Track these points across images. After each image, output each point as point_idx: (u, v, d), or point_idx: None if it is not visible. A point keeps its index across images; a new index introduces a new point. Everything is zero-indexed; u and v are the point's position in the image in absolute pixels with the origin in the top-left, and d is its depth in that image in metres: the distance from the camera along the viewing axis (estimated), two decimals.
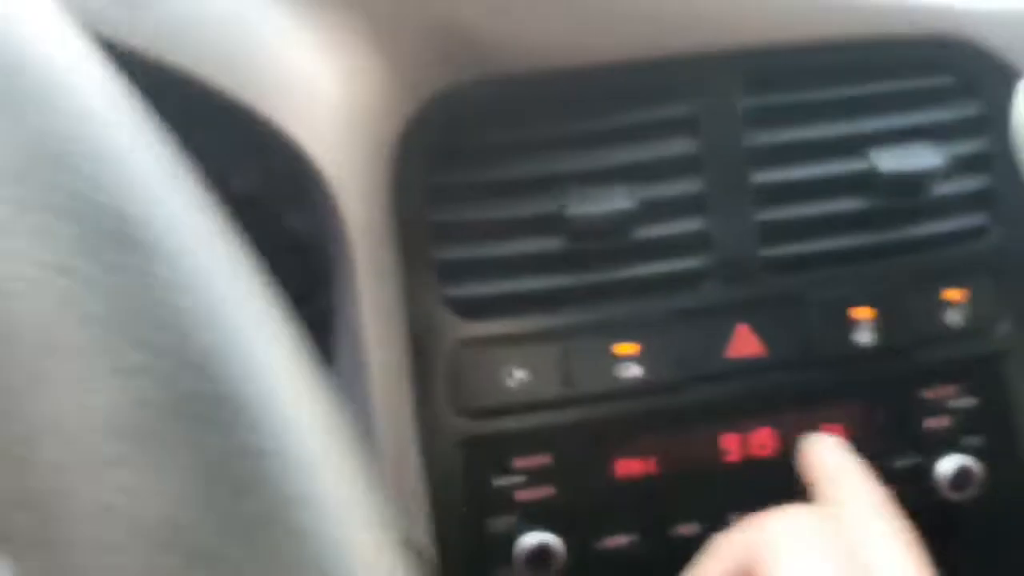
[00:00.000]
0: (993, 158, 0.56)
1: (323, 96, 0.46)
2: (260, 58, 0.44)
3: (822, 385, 0.56)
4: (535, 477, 0.54)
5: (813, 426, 0.57)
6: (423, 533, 0.49)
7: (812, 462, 0.47)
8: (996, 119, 0.56)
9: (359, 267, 0.48)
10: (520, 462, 0.54)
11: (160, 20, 0.41)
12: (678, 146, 0.54)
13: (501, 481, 0.54)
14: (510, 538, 0.54)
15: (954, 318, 0.56)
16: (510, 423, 0.53)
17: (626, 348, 0.53)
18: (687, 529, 0.56)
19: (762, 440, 0.57)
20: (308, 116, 0.45)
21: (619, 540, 0.55)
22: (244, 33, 0.44)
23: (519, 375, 0.52)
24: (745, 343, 0.54)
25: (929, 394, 0.57)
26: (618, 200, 0.52)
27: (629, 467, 0.56)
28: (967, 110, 0.56)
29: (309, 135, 0.45)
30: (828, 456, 0.46)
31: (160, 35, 0.41)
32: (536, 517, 0.54)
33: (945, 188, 0.56)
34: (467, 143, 0.52)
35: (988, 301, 0.57)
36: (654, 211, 0.53)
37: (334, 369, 0.52)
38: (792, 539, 0.39)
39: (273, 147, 0.47)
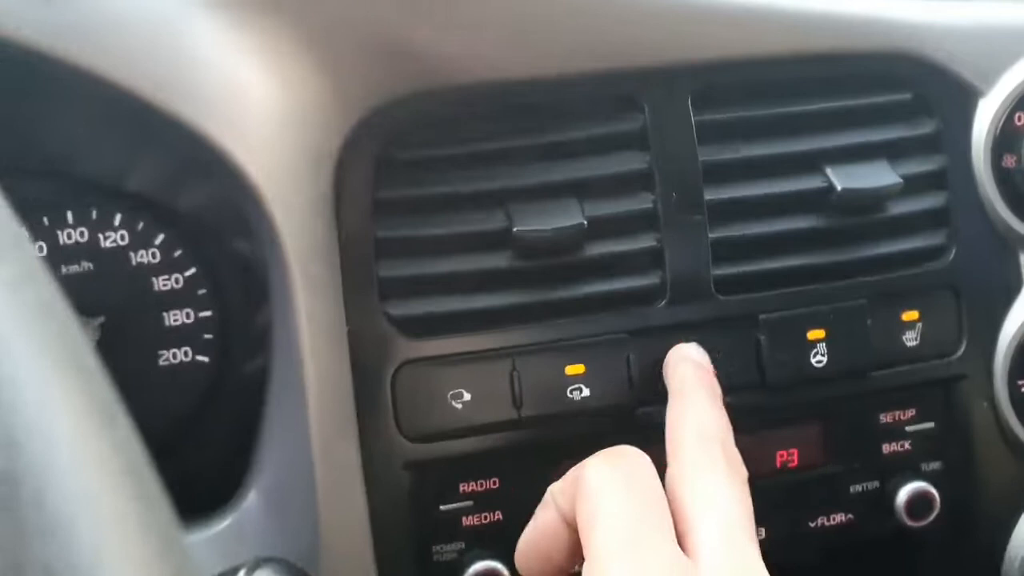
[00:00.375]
0: (950, 177, 0.56)
1: (257, 106, 0.44)
2: (187, 64, 0.42)
3: (778, 407, 0.55)
4: (482, 502, 0.53)
5: (768, 449, 0.56)
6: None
7: (667, 368, 0.50)
8: (954, 137, 0.56)
9: (296, 283, 0.46)
10: (467, 487, 0.52)
11: (77, 19, 0.39)
12: (629, 162, 0.52)
13: (447, 506, 0.52)
14: (457, 565, 0.52)
15: (911, 340, 0.55)
16: (457, 446, 0.51)
17: (577, 369, 0.52)
18: None
19: None
20: (239, 125, 0.44)
21: None
22: (170, 37, 0.42)
23: (466, 396, 0.51)
24: None
25: (886, 418, 0.56)
26: (568, 216, 0.51)
27: None
28: (924, 128, 0.56)
29: (241, 145, 0.43)
30: (678, 368, 0.49)
31: (76, 35, 0.39)
32: (483, 543, 0.52)
33: (902, 207, 0.55)
34: (412, 157, 0.50)
35: (946, 323, 0.56)
36: (605, 228, 0.52)
37: (270, 390, 0.50)
38: (602, 480, 0.40)
39: (209, 161, 0.45)
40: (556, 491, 0.43)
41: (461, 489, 0.52)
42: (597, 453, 0.42)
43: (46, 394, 0.19)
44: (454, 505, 0.52)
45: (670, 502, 0.40)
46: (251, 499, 0.49)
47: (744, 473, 0.43)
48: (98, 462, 0.19)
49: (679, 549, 0.38)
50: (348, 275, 0.49)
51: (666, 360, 0.50)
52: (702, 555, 0.38)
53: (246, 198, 0.45)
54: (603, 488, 0.40)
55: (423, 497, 0.52)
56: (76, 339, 0.21)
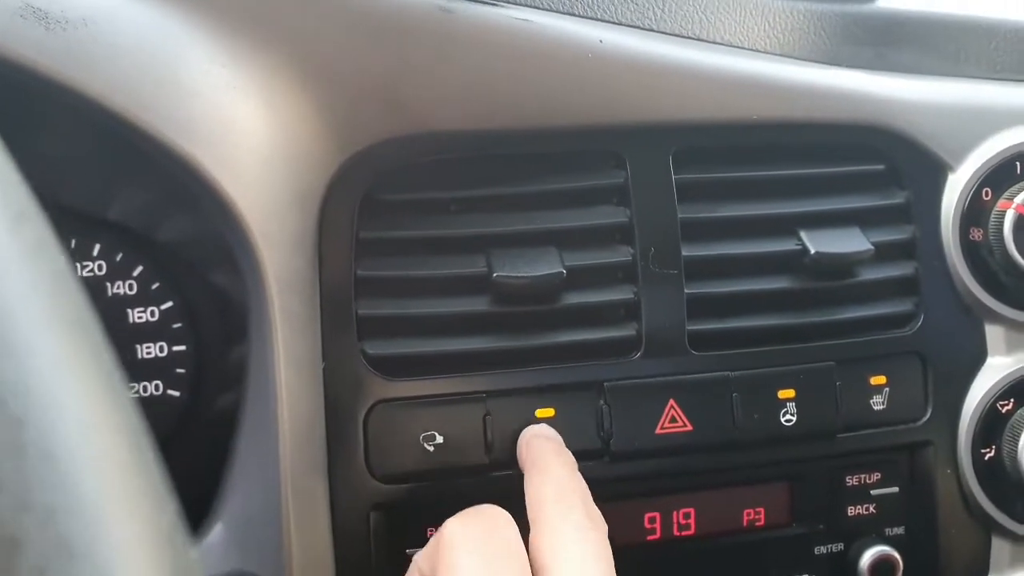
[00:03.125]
0: (920, 247, 0.57)
1: (248, 140, 0.45)
2: (182, 94, 0.43)
3: (747, 465, 0.55)
4: None
5: (736, 507, 0.56)
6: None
7: (520, 449, 0.50)
8: (924, 209, 0.57)
9: (276, 318, 0.46)
10: (434, 530, 0.52)
11: (75, 44, 0.40)
12: (610, 215, 0.53)
13: (414, 550, 0.52)
14: None
15: (878, 404, 0.56)
16: (426, 489, 0.51)
17: (549, 416, 0.52)
18: None
19: (685, 520, 0.55)
20: (230, 158, 0.44)
21: None
22: (167, 68, 0.43)
23: (438, 439, 0.51)
24: (674, 420, 0.53)
25: (853, 480, 0.57)
26: (547, 265, 0.51)
27: None
28: (896, 199, 0.57)
29: (230, 177, 0.44)
30: (531, 444, 0.49)
31: (73, 59, 0.40)
32: None
33: (872, 273, 0.56)
34: (396, 199, 0.51)
35: (912, 389, 0.57)
36: (583, 278, 0.53)
37: (242, 423, 0.50)
38: (457, 537, 0.41)
39: (196, 191, 0.45)
40: (420, 556, 0.44)
41: (428, 533, 0.52)
42: (457, 514, 0.43)
43: (53, 347, 0.19)
44: (421, 549, 0.52)
45: (532, 561, 0.41)
46: (216, 533, 0.49)
47: (604, 528, 0.44)
48: (100, 413, 0.20)
49: None
50: (327, 312, 0.49)
51: (519, 440, 0.51)
52: None
53: (231, 230, 0.45)
54: (458, 543, 0.41)
55: (390, 539, 0.51)
56: (78, 299, 0.21)
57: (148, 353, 0.57)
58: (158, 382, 0.57)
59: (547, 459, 0.48)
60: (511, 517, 0.43)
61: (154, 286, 0.57)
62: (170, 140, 0.42)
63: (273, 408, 0.47)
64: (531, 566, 0.41)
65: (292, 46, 0.46)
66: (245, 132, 0.45)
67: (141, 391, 0.56)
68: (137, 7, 0.43)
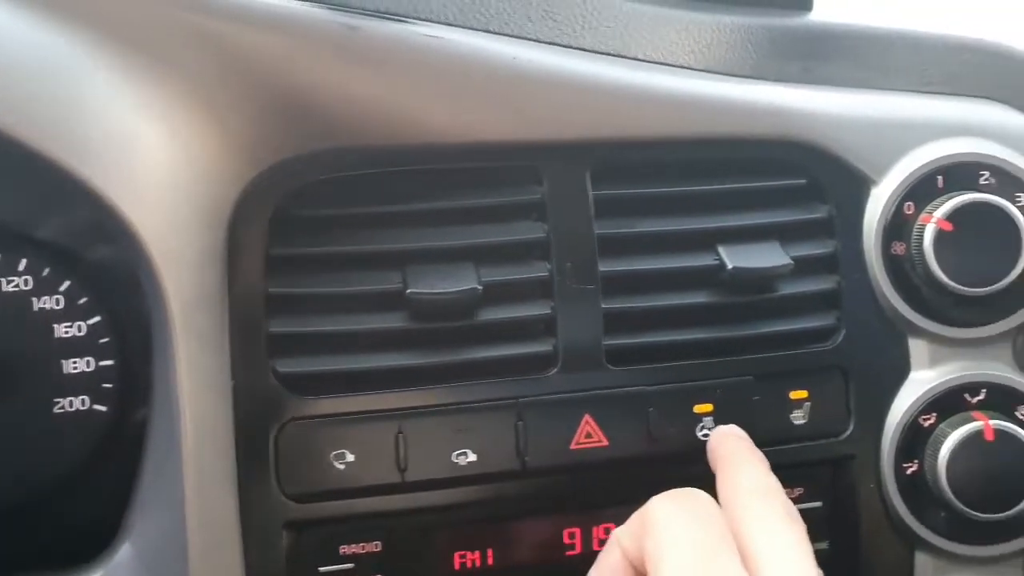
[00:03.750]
0: (842, 261, 0.57)
1: (147, 159, 0.45)
2: (75, 114, 0.43)
3: (665, 481, 0.55)
4: (364, 566, 0.52)
5: None
6: None
7: (712, 446, 0.50)
8: (846, 223, 0.57)
9: (177, 334, 0.46)
10: (348, 549, 0.52)
11: None
12: (527, 231, 0.54)
13: (327, 568, 0.52)
14: None
15: (799, 419, 0.56)
16: (338, 507, 0.51)
17: (465, 434, 0.52)
18: None
19: (605, 535, 0.55)
20: (126, 177, 0.44)
21: None
22: (60, 87, 0.43)
23: (349, 457, 0.50)
24: (590, 435, 0.53)
25: None
26: (463, 281, 0.51)
27: (465, 558, 0.54)
28: (817, 213, 0.57)
29: (126, 196, 0.44)
30: (725, 442, 0.49)
31: None
32: None
33: (793, 288, 0.56)
34: (308, 215, 0.51)
35: (834, 403, 0.57)
36: (500, 294, 0.53)
37: (148, 442, 0.50)
38: (668, 515, 0.41)
39: (97, 210, 0.45)
40: (621, 533, 0.44)
41: (342, 551, 0.52)
42: (662, 494, 0.44)
43: None
44: (334, 567, 0.52)
45: (740, 548, 0.41)
46: (123, 554, 0.49)
47: (803, 523, 0.43)
48: None
49: (745, 571, 0.39)
50: (237, 330, 0.49)
51: (710, 438, 0.51)
52: None
53: (131, 249, 0.45)
54: (670, 521, 0.41)
55: (303, 558, 0.51)
56: None
57: (75, 368, 0.57)
58: (84, 397, 0.57)
59: (742, 455, 0.48)
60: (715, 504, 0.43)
61: (81, 301, 0.57)
62: (62, 160, 0.42)
63: (177, 426, 0.47)
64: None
65: (194, 66, 0.46)
66: (145, 152, 0.45)
67: (67, 406, 0.56)
68: (34, 29, 0.43)
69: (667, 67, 0.57)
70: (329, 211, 0.51)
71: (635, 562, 0.43)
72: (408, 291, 0.50)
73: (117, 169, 0.44)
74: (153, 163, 0.45)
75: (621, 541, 0.44)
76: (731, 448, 0.49)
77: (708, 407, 0.54)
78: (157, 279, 0.45)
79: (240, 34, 0.46)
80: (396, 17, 0.48)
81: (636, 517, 0.44)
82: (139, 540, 0.49)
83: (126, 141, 0.44)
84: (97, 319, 0.57)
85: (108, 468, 0.56)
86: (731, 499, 0.44)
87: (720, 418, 0.54)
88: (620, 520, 0.55)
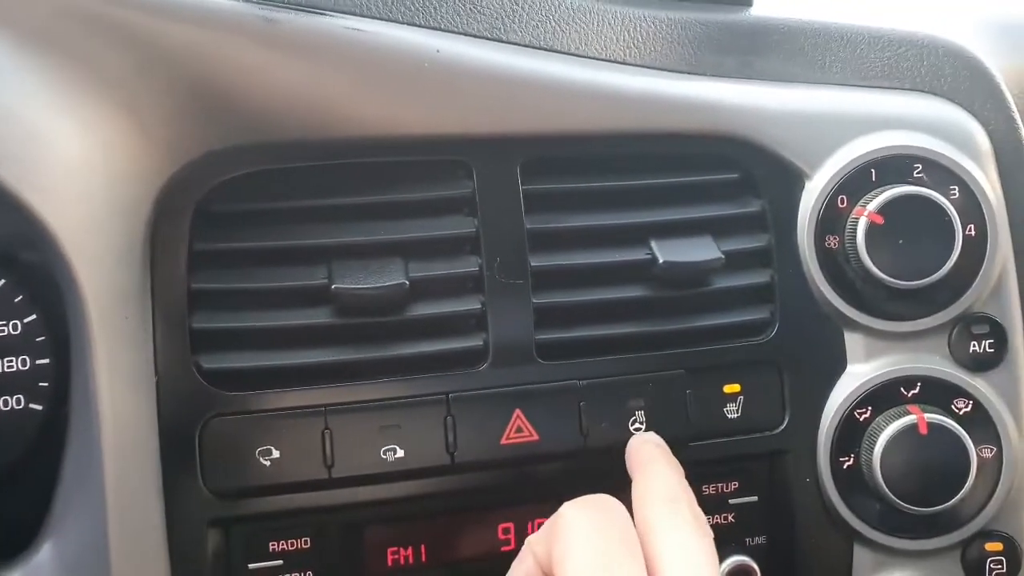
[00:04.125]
0: (776, 255, 0.57)
1: (59, 156, 0.44)
2: None
3: (598, 475, 0.54)
4: (293, 562, 0.52)
5: None
6: None
7: (629, 453, 0.50)
8: (779, 217, 0.57)
9: (95, 333, 0.46)
10: (276, 546, 0.52)
11: None
12: (457, 226, 0.53)
13: (256, 565, 0.51)
14: None
15: (732, 412, 0.56)
16: (265, 504, 0.51)
17: (393, 430, 0.51)
18: None
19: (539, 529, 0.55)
20: (38, 174, 0.43)
21: None
22: None
23: (274, 453, 0.50)
24: (520, 430, 0.53)
25: (709, 489, 0.57)
26: (390, 276, 0.51)
27: (398, 554, 0.54)
28: (751, 207, 0.57)
29: (38, 193, 0.43)
30: (641, 449, 0.50)
31: None
32: None
33: (726, 282, 0.56)
34: (232, 210, 0.50)
35: (768, 397, 0.57)
36: (430, 289, 0.52)
37: (68, 441, 0.49)
38: (575, 520, 0.42)
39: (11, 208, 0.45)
40: (533, 541, 0.44)
41: (271, 548, 0.51)
42: (573, 500, 0.44)
43: None
44: (263, 564, 0.51)
45: (645, 555, 0.41)
46: (43, 555, 0.48)
47: (711, 533, 0.44)
48: None
49: None
50: (159, 326, 0.49)
51: (629, 444, 0.51)
52: None
53: (46, 247, 0.45)
54: (576, 526, 0.42)
55: (231, 556, 0.51)
56: None
57: (10, 367, 0.56)
58: (20, 396, 0.56)
59: (659, 462, 0.48)
60: (626, 508, 0.43)
61: (16, 299, 0.56)
62: None
63: (96, 424, 0.46)
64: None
65: (109, 61, 0.45)
66: (59, 151, 0.44)
67: (2, 405, 0.56)
68: None
69: (600, 62, 0.57)
70: (254, 205, 0.51)
71: (546, 569, 0.43)
72: (333, 286, 0.50)
73: (30, 168, 0.43)
74: (67, 161, 0.45)
75: (533, 548, 0.44)
76: (648, 455, 0.49)
77: (640, 401, 0.54)
78: (73, 276, 0.45)
79: (155, 27, 0.46)
80: (316, 10, 0.48)
81: (548, 524, 0.44)
82: (60, 540, 0.48)
83: (39, 140, 0.44)
84: (32, 317, 0.56)
85: (40, 467, 0.56)
86: (642, 506, 0.45)
87: (652, 412, 0.54)
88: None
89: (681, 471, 0.48)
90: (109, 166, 0.46)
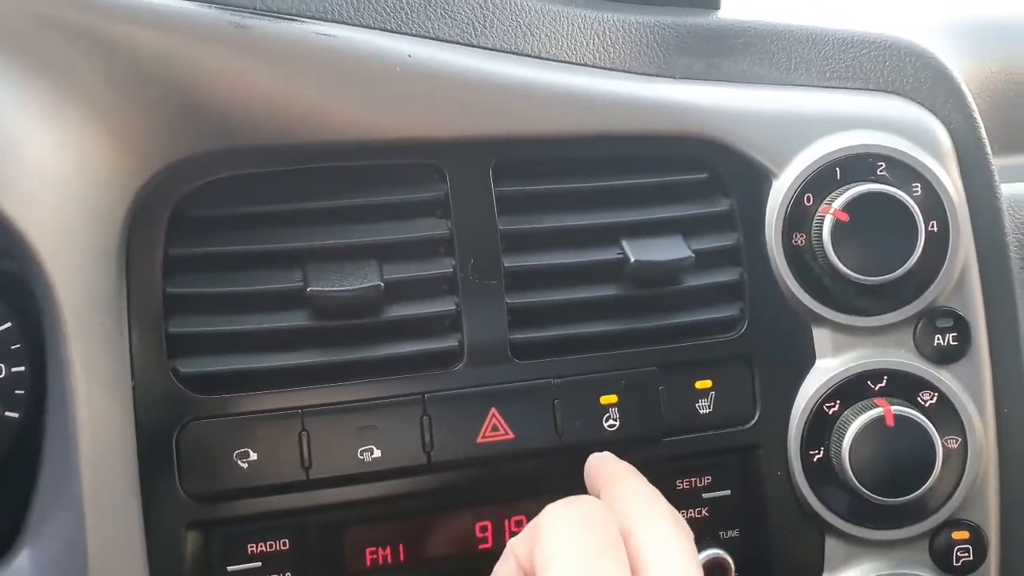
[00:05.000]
0: (744, 253, 0.58)
1: (33, 162, 0.45)
2: None
3: (574, 472, 0.55)
4: (272, 564, 0.52)
5: None
6: None
7: (590, 471, 0.50)
8: (748, 216, 0.58)
9: (71, 339, 0.46)
10: (255, 548, 0.52)
11: None
12: (430, 228, 0.54)
13: (235, 567, 0.52)
14: None
15: (704, 408, 0.57)
16: (243, 506, 0.51)
17: (370, 430, 0.52)
18: None
19: (517, 527, 0.56)
20: (12, 180, 0.44)
21: None
22: None
23: (252, 456, 0.51)
24: (496, 428, 0.54)
25: (683, 484, 0.58)
26: (365, 278, 0.52)
27: (377, 554, 0.54)
28: (719, 206, 0.58)
29: (12, 199, 0.43)
30: (603, 464, 0.50)
31: None
32: None
33: (696, 280, 0.57)
34: (207, 214, 0.51)
35: (739, 392, 0.57)
36: (404, 291, 0.53)
37: (45, 447, 0.49)
38: (559, 521, 0.42)
39: None
40: (515, 542, 0.44)
41: (249, 550, 0.52)
42: (556, 501, 0.44)
43: None
44: (242, 566, 0.52)
45: (629, 556, 0.41)
46: (21, 560, 0.48)
47: (691, 533, 0.44)
48: None
49: None
50: (135, 331, 0.49)
51: (588, 464, 0.51)
52: None
53: (19, 252, 0.45)
54: (559, 528, 0.41)
55: (209, 558, 0.51)
56: None
57: None
58: None
59: (625, 473, 0.48)
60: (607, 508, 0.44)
61: None
62: None
63: (73, 430, 0.46)
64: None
65: (82, 68, 0.46)
66: (33, 157, 0.45)
67: None
68: None
69: (571, 65, 0.58)
70: (229, 210, 0.51)
71: (528, 571, 0.43)
72: (309, 289, 0.50)
73: (3, 176, 0.43)
74: (41, 167, 0.45)
75: (515, 550, 0.44)
76: (612, 468, 0.49)
77: (614, 398, 0.55)
78: (48, 283, 0.45)
79: (127, 34, 0.46)
80: (287, 16, 0.49)
81: (530, 526, 0.44)
82: (38, 546, 0.48)
83: (12, 147, 0.44)
84: (8, 325, 0.56)
85: (17, 474, 0.56)
86: (620, 509, 0.45)
87: (625, 409, 0.55)
88: (532, 513, 0.56)
89: (644, 478, 0.48)
90: (83, 172, 0.46)
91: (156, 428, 0.50)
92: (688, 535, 0.44)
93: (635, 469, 0.49)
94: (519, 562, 0.43)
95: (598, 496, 0.48)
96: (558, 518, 0.42)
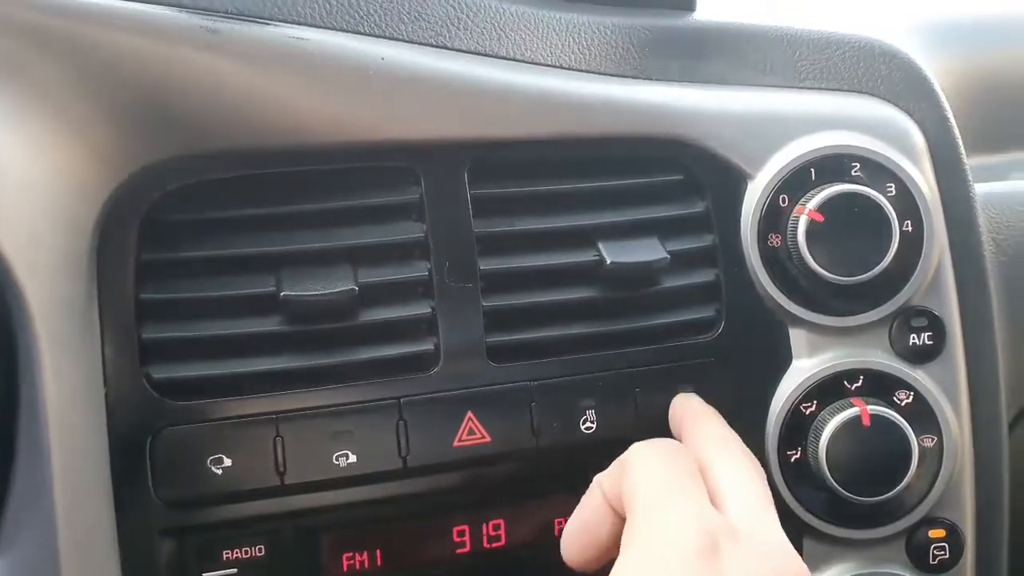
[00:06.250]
0: (721, 254, 0.58)
1: (2, 168, 0.44)
2: None
3: (551, 475, 0.55)
4: (248, 570, 0.52)
5: (545, 515, 0.56)
6: None
7: (674, 412, 0.55)
8: (723, 217, 0.58)
9: (43, 345, 0.45)
10: (231, 554, 0.52)
11: None
12: (405, 231, 0.54)
13: (211, 574, 0.51)
14: None
15: None
16: (219, 513, 0.51)
17: (346, 435, 0.52)
18: None
19: (495, 531, 0.56)
20: None
21: None
22: None
23: (226, 462, 0.50)
24: (472, 432, 0.54)
25: None
26: (339, 282, 0.51)
27: (354, 560, 0.54)
28: (695, 208, 0.58)
29: None
30: (687, 404, 0.55)
31: None
32: None
33: (673, 281, 0.57)
34: (179, 219, 0.51)
35: (716, 393, 0.57)
36: (380, 295, 0.53)
37: (17, 454, 0.49)
38: (643, 456, 0.47)
39: None
40: (602, 477, 0.49)
41: (224, 557, 0.51)
42: (640, 442, 0.49)
43: None
44: (217, 573, 0.51)
45: (708, 485, 0.46)
46: None
47: (763, 473, 0.49)
48: None
49: (711, 505, 0.44)
50: (108, 337, 0.49)
51: (672, 404, 0.56)
52: (733, 511, 0.45)
53: None
54: (645, 460, 0.46)
55: (184, 565, 0.51)
56: None
57: None
58: None
59: (705, 414, 0.54)
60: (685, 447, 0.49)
61: None
62: None
63: (45, 437, 0.46)
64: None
65: (50, 73, 0.45)
66: (1, 163, 0.44)
67: None
68: None
69: (546, 67, 0.58)
70: (201, 215, 0.51)
71: (614, 504, 0.47)
72: (282, 294, 0.50)
73: None
74: (10, 174, 0.44)
75: (602, 484, 0.48)
76: (693, 408, 0.54)
77: (591, 400, 0.55)
78: (19, 289, 0.45)
79: (96, 39, 0.46)
80: (259, 19, 0.49)
81: (616, 463, 0.48)
82: (10, 556, 0.48)
83: None
84: None
85: None
86: (699, 448, 0.50)
87: (602, 411, 0.55)
88: (510, 516, 0.56)
89: (722, 418, 0.53)
90: (53, 178, 0.46)
91: (129, 434, 0.49)
92: (760, 473, 0.49)
93: (715, 411, 0.54)
94: (604, 494, 0.48)
95: (679, 435, 0.53)
96: (645, 454, 0.47)
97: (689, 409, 0.54)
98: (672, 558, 0.40)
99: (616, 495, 0.47)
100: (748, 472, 0.48)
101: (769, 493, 0.47)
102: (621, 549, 0.43)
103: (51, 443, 0.46)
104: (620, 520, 0.46)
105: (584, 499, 0.49)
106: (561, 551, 0.50)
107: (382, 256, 0.53)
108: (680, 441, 0.52)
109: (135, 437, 0.49)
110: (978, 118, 0.82)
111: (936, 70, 0.64)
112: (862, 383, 0.58)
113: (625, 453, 0.48)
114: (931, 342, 0.59)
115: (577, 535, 0.49)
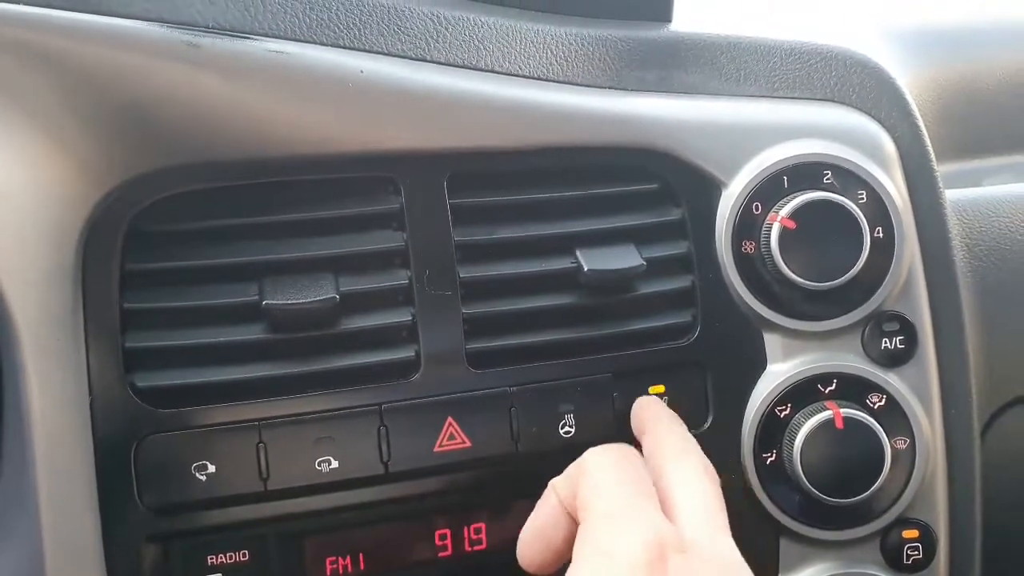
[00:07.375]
0: (696, 261, 0.59)
1: None
2: None
3: (531, 478, 0.56)
4: (233, 575, 0.53)
5: (525, 520, 0.57)
6: None
7: (635, 414, 0.56)
8: (698, 225, 0.60)
9: (26, 354, 0.46)
10: (215, 559, 0.52)
11: None
12: (386, 240, 0.55)
13: None
14: None
15: None
16: (203, 519, 0.51)
17: (328, 442, 0.53)
18: None
19: (476, 535, 0.57)
20: None
21: None
22: None
23: (210, 468, 0.51)
24: (453, 437, 0.55)
25: None
26: (320, 291, 0.52)
27: (337, 564, 0.55)
28: (671, 215, 0.60)
29: None
30: (648, 408, 0.56)
31: None
32: None
33: (649, 288, 0.58)
34: (163, 229, 0.51)
35: (692, 397, 0.59)
36: (360, 303, 0.54)
37: (2, 462, 0.50)
38: (597, 463, 0.48)
39: None
40: (557, 482, 0.49)
41: (209, 562, 0.52)
42: (596, 447, 0.49)
43: None
44: None
45: (658, 490, 0.47)
46: None
47: (718, 479, 0.50)
48: None
49: (663, 516, 0.45)
50: (92, 346, 0.50)
51: (635, 405, 0.56)
52: (683, 521, 0.45)
53: None
54: (599, 468, 0.47)
55: (169, 571, 0.52)
56: None
57: None
58: None
59: (664, 419, 0.54)
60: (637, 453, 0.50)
61: None
62: None
63: (30, 445, 0.47)
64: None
65: (34, 87, 0.46)
66: None
67: None
68: None
69: (524, 79, 0.59)
70: (185, 225, 0.52)
71: (569, 508, 0.47)
72: (264, 302, 0.51)
73: None
74: None
75: (557, 489, 0.49)
76: (655, 412, 0.55)
77: (569, 405, 0.56)
78: (2, 298, 0.45)
79: (78, 52, 0.46)
80: (240, 34, 0.50)
81: (572, 467, 0.49)
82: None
83: None
84: None
85: None
86: (655, 455, 0.50)
87: (581, 415, 0.56)
88: (490, 520, 0.57)
89: (684, 425, 0.54)
90: (37, 189, 0.47)
91: (114, 442, 0.50)
92: (714, 478, 0.49)
93: (675, 415, 0.55)
94: (560, 499, 0.48)
95: (640, 437, 0.54)
96: (600, 461, 0.48)
97: (651, 413, 0.55)
98: (621, 569, 0.41)
99: (571, 500, 0.47)
100: (701, 483, 0.48)
101: (722, 504, 0.48)
102: (573, 557, 0.43)
103: (36, 451, 0.47)
104: (575, 525, 0.46)
105: (540, 503, 0.50)
106: (517, 555, 0.50)
107: (363, 265, 0.54)
108: (640, 442, 0.53)
109: (120, 444, 0.50)
110: (954, 124, 0.84)
111: (912, 76, 0.65)
112: (836, 386, 0.59)
113: (580, 458, 0.48)
114: (903, 346, 0.60)
115: (532, 539, 0.49)
